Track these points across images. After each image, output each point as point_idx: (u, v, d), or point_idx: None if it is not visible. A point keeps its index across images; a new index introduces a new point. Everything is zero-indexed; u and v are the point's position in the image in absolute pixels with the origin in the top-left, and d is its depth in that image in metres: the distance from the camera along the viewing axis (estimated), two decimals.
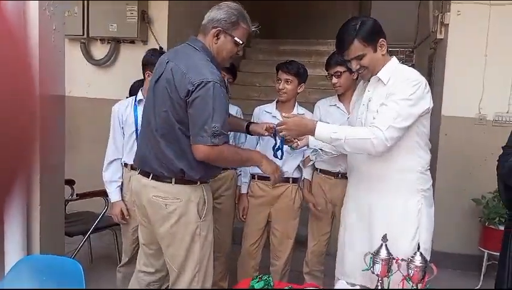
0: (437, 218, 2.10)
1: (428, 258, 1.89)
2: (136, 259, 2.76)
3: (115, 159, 2.65)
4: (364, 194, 2.04)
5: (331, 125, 1.98)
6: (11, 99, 0.46)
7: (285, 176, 2.65)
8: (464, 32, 3.58)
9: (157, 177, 1.94)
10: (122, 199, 2.66)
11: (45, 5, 2.07)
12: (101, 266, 3.44)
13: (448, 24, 3.62)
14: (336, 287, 1.87)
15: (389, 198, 1.96)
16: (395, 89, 1.87)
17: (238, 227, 3.01)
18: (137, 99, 2.66)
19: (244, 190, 2.80)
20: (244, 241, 2.82)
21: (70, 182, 3.34)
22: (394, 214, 1.94)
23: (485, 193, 3.42)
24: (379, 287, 1.75)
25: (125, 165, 2.66)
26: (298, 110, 2.72)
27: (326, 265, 2.84)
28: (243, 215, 2.81)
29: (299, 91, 2.67)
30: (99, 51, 4.27)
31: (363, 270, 1.83)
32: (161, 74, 1.93)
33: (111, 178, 2.64)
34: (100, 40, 4.22)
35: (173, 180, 1.92)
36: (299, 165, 2.74)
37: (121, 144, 2.65)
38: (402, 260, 1.74)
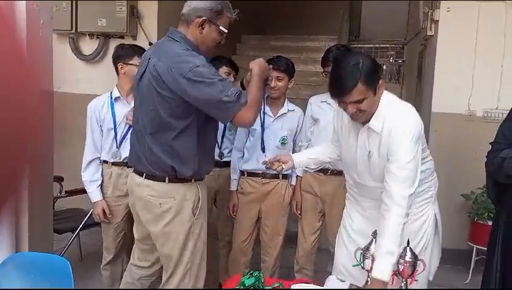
0: None
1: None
2: (120, 255, 2.76)
3: (93, 159, 2.62)
4: (368, 203, 2.00)
5: (385, 263, 1.67)
6: (2, 96, 0.45)
7: (274, 173, 2.66)
8: (454, 29, 3.60)
9: (150, 177, 1.92)
10: (104, 198, 2.63)
11: None
12: (90, 263, 3.41)
13: (438, 21, 3.64)
14: (326, 283, 1.87)
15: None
16: (393, 145, 1.76)
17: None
18: (114, 96, 2.62)
19: (233, 187, 2.80)
20: (234, 238, 2.82)
21: (59, 179, 3.31)
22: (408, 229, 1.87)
23: (474, 189, 3.45)
24: (369, 283, 1.76)
25: (105, 162, 2.62)
26: (288, 106, 2.72)
27: (316, 261, 2.85)
28: (233, 212, 2.81)
29: (289, 86, 2.68)
30: (88, 46, 4.22)
31: (353, 266, 1.84)
32: (144, 71, 1.90)
33: (90, 178, 2.61)
34: (89, 35, 4.17)
35: (166, 179, 1.90)
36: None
37: (99, 143, 2.61)
38: None
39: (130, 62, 2.56)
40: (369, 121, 1.82)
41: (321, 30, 6.68)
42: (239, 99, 1.78)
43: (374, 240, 1.77)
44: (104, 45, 4.17)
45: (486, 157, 2.20)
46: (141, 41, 3.96)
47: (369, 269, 1.74)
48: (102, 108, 2.60)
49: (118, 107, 2.60)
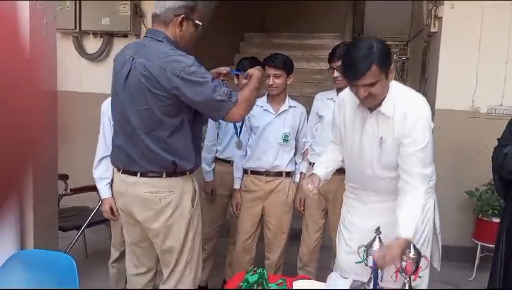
0: None
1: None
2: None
3: (105, 157, 2.64)
4: (373, 197, 2.01)
5: (410, 223, 1.74)
6: (4, 95, 0.46)
7: (277, 170, 2.68)
8: (458, 26, 3.58)
9: (146, 174, 1.93)
10: (112, 196, 2.66)
11: None
12: (95, 261, 3.43)
13: (441, 17, 3.63)
14: (328, 280, 1.88)
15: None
16: (410, 131, 1.78)
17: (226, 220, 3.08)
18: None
19: (237, 185, 2.81)
20: (238, 236, 2.83)
21: (63, 177, 3.33)
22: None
23: (478, 186, 3.44)
24: (372, 280, 1.76)
25: None
26: (290, 103, 2.73)
27: (319, 258, 2.86)
28: (236, 211, 2.82)
29: (288, 83, 2.68)
30: (92, 45, 4.24)
31: (356, 263, 1.84)
32: (129, 71, 1.90)
33: (101, 175, 2.63)
34: (93, 34, 4.18)
35: (164, 174, 1.92)
36: (292, 158, 2.75)
37: (111, 141, 2.64)
38: None
39: None
40: (379, 106, 1.82)
41: (324, 28, 6.66)
42: (230, 98, 1.83)
43: (378, 237, 1.77)
44: (108, 44, 4.19)
45: (493, 152, 2.21)
46: None
47: (372, 265, 1.75)
48: None
49: None
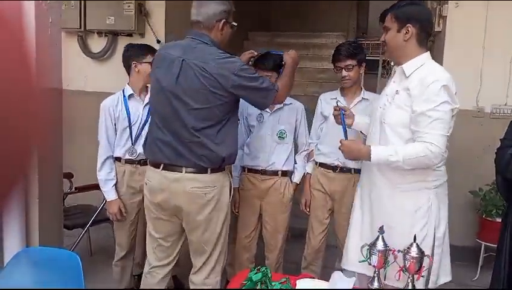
0: None
1: (440, 256, 1.94)
2: (132, 251, 2.81)
3: (108, 157, 2.63)
4: (373, 187, 2.05)
5: (385, 148, 1.92)
6: (9, 93, 0.46)
7: (274, 169, 2.70)
8: (462, 25, 3.57)
9: (192, 170, 2.03)
10: (118, 196, 2.66)
11: None
12: (100, 259, 3.45)
13: (446, 16, 3.61)
14: (331, 279, 1.88)
15: (398, 192, 1.96)
16: (426, 91, 1.83)
17: None
18: (127, 94, 2.64)
19: (235, 184, 2.78)
20: (237, 234, 2.83)
21: (68, 176, 3.34)
22: (402, 208, 1.95)
23: (482, 185, 3.43)
24: (376, 278, 1.76)
25: (119, 159, 2.65)
26: (285, 100, 2.73)
27: (324, 258, 2.86)
28: (235, 209, 2.81)
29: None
30: (97, 44, 4.25)
31: (360, 262, 1.84)
32: (179, 72, 2.00)
33: (106, 177, 2.62)
34: (97, 33, 4.20)
35: (209, 170, 2.04)
36: (290, 157, 2.73)
37: (113, 141, 2.63)
38: (398, 251, 1.75)
39: (144, 60, 2.60)
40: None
41: (328, 27, 6.65)
42: (274, 86, 2.10)
43: (381, 236, 1.77)
44: (113, 43, 4.20)
45: (496, 153, 2.20)
46: (149, 39, 3.97)
47: (375, 265, 1.75)
48: (117, 106, 2.63)
49: (131, 105, 2.64)
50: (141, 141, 2.62)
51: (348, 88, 2.64)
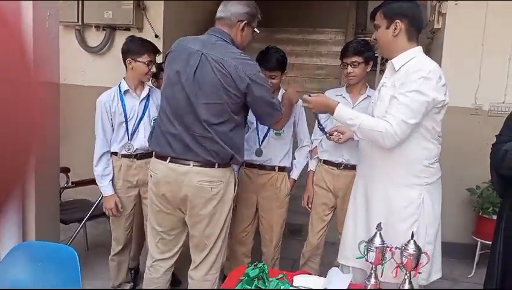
0: None
1: (432, 253, 1.91)
2: (128, 246, 2.81)
3: (104, 153, 2.62)
4: (368, 181, 2.07)
5: (350, 111, 2.04)
6: (6, 88, 0.46)
7: (271, 164, 2.71)
8: (461, 22, 3.56)
9: (200, 163, 2.03)
10: (115, 190, 2.65)
11: None
12: (96, 254, 3.45)
13: (445, 13, 3.61)
14: (328, 275, 1.89)
15: (390, 187, 1.97)
16: (406, 80, 1.86)
17: None
18: (123, 89, 2.63)
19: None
20: (233, 228, 2.82)
21: (65, 170, 3.34)
22: (393, 203, 1.96)
23: (479, 183, 3.44)
24: (373, 275, 1.77)
25: (115, 154, 2.64)
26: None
27: (323, 254, 2.86)
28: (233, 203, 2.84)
29: (283, 78, 2.71)
30: (94, 38, 4.22)
31: (357, 258, 1.84)
32: (197, 65, 2.00)
33: (103, 172, 2.62)
34: (95, 27, 4.17)
35: (216, 165, 2.04)
36: (288, 153, 2.74)
37: (110, 136, 2.63)
38: (396, 248, 1.76)
39: (139, 59, 2.56)
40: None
41: (327, 23, 6.64)
42: (280, 109, 2.12)
43: (379, 233, 1.77)
44: (110, 37, 4.17)
45: (491, 149, 2.20)
46: (147, 34, 3.96)
47: (373, 261, 1.75)
48: (113, 101, 2.61)
49: (127, 100, 2.63)
50: (137, 136, 2.62)
51: (353, 85, 2.64)
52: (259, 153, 2.70)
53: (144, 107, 2.66)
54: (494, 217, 3.19)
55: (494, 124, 3.06)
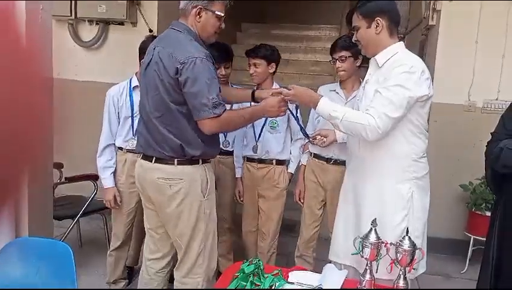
0: None
1: (420, 247, 1.89)
2: (127, 242, 2.81)
3: (108, 145, 2.66)
4: (357, 178, 2.08)
5: (333, 103, 2.00)
6: (2, 82, 0.45)
7: (269, 158, 2.77)
8: (456, 19, 3.58)
9: (160, 160, 2.00)
10: (117, 185, 2.66)
11: None
12: (90, 250, 3.43)
13: (440, 10, 3.62)
14: (324, 271, 1.89)
15: (379, 182, 1.97)
16: (389, 75, 1.87)
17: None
18: (132, 85, 2.65)
19: (238, 174, 2.90)
20: (242, 221, 2.94)
21: (58, 166, 3.31)
22: (383, 199, 1.97)
23: (472, 179, 3.46)
24: (368, 271, 1.77)
25: (120, 148, 2.66)
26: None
27: (317, 249, 2.87)
28: (239, 198, 2.91)
29: (270, 71, 2.73)
30: (88, 32, 4.18)
31: (352, 254, 1.85)
32: (150, 60, 2.00)
33: (105, 164, 2.64)
34: (88, 21, 4.13)
35: (175, 161, 1.98)
36: (285, 147, 2.79)
37: (115, 130, 2.66)
38: (391, 244, 1.76)
39: None
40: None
41: (322, 19, 6.64)
42: (214, 108, 1.87)
43: (374, 229, 1.78)
44: (104, 32, 4.14)
45: (486, 146, 2.21)
46: (141, 29, 3.93)
47: (367, 257, 1.76)
48: (121, 96, 2.64)
49: (136, 96, 2.63)
50: None
51: (345, 81, 2.64)
52: (255, 149, 2.77)
53: None
54: (487, 214, 3.22)
55: (487, 121, 3.08)
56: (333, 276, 1.85)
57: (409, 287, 1.76)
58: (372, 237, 1.75)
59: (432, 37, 3.85)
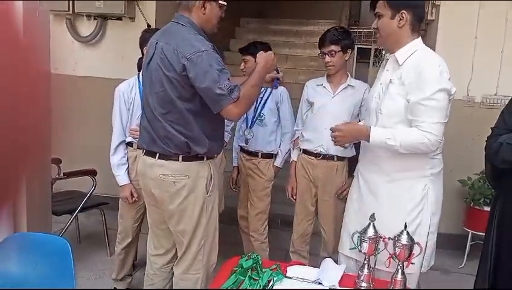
0: None
1: (434, 241, 2.01)
2: (136, 239, 2.82)
3: (121, 142, 2.65)
4: (372, 173, 2.07)
5: (384, 131, 1.93)
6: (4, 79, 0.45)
7: (255, 149, 2.89)
8: (455, 14, 3.57)
9: (164, 156, 1.98)
10: (131, 181, 2.67)
11: None
12: (89, 246, 3.43)
13: (439, 5, 3.61)
14: (321, 266, 1.89)
15: (396, 179, 1.99)
16: (420, 80, 1.85)
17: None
18: (141, 79, 2.64)
19: (235, 163, 3.06)
20: (238, 207, 3.08)
21: (56, 161, 3.30)
22: (399, 195, 1.98)
23: (471, 175, 3.47)
24: (366, 265, 1.78)
25: (130, 144, 2.65)
26: None
27: (311, 244, 2.88)
28: (233, 185, 3.08)
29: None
30: (86, 27, 4.17)
31: (350, 249, 1.85)
32: (152, 55, 1.97)
33: (119, 161, 2.64)
34: (86, 16, 4.11)
35: (180, 157, 1.96)
36: (274, 140, 2.88)
37: (127, 126, 2.64)
38: (389, 238, 1.77)
39: None
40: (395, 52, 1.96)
41: (321, 14, 6.62)
42: (231, 93, 1.83)
43: (372, 224, 1.78)
44: (102, 27, 4.12)
45: (486, 141, 2.21)
46: (139, 24, 3.91)
47: (366, 251, 1.76)
48: (131, 91, 2.63)
49: None
50: None
51: (333, 74, 2.62)
52: (246, 140, 2.89)
53: None
54: (485, 209, 3.23)
55: (486, 116, 3.07)
56: (331, 271, 1.85)
57: (407, 283, 1.76)
58: (370, 232, 1.76)
59: (431, 32, 3.84)
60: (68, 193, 3.52)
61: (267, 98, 2.85)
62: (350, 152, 2.60)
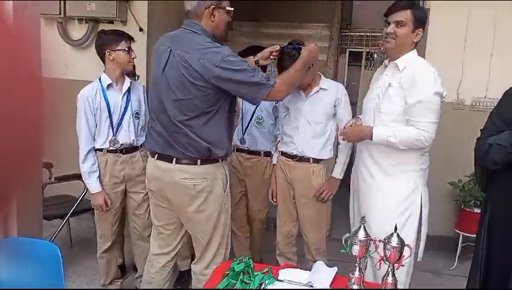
0: None
1: (425, 231, 2.23)
2: (116, 242, 2.80)
3: (90, 149, 2.58)
4: (366, 168, 2.28)
5: (384, 129, 2.17)
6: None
7: (256, 149, 2.94)
8: (445, 18, 3.60)
9: (182, 161, 2.03)
10: (103, 188, 2.62)
11: None
12: (80, 250, 3.41)
13: (429, 9, 3.64)
14: (313, 268, 1.90)
15: (388, 176, 2.20)
16: (417, 85, 2.08)
17: None
18: (105, 83, 2.59)
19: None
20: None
21: (48, 165, 3.29)
22: (393, 185, 2.20)
23: (461, 177, 3.49)
24: (357, 268, 1.78)
25: (100, 150, 2.60)
26: None
27: (298, 247, 2.86)
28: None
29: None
30: (77, 31, 4.15)
31: (341, 252, 1.86)
32: (166, 62, 2.00)
33: (90, 169, 2.58)
34: (78, 19, 4.10)
35: (198, 161, 2.02)
36: (272, 141, 2.92)
37: (94, 132, 2.59)
38: (379, 241, 1.77)
39: (118, 48, 2.55)
40: (396, 59, 2.18)
41: (313, 18, 6.64)
42: (268, 81, 1.98)
43: (362, 226, 1.79)
44: (93, 30, 4.10)
45: (476, 143, 2.23)
46: (131, 27, 3.91)
47: (356, 254, 1.77)
48: (96, 96, 2.57)
49: (110, 94, 2.59)
50: (121, 130, 2.60)
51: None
52: (243, 141, 2.94)
53: (126, 101, 2.64)
54: (476, 211, 3.25)
55: (476, 118, 3.10)
56: (323, 273, 1.86)
57: (397, 285, 1.77)
58: (361, 235, 1.76)
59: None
60: (59, 197, 3.50)
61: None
62: (327, 154, 2.61)
